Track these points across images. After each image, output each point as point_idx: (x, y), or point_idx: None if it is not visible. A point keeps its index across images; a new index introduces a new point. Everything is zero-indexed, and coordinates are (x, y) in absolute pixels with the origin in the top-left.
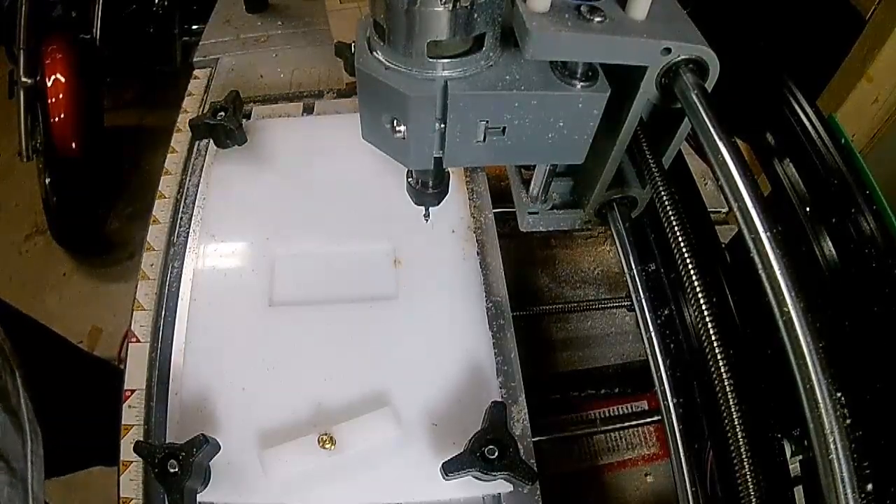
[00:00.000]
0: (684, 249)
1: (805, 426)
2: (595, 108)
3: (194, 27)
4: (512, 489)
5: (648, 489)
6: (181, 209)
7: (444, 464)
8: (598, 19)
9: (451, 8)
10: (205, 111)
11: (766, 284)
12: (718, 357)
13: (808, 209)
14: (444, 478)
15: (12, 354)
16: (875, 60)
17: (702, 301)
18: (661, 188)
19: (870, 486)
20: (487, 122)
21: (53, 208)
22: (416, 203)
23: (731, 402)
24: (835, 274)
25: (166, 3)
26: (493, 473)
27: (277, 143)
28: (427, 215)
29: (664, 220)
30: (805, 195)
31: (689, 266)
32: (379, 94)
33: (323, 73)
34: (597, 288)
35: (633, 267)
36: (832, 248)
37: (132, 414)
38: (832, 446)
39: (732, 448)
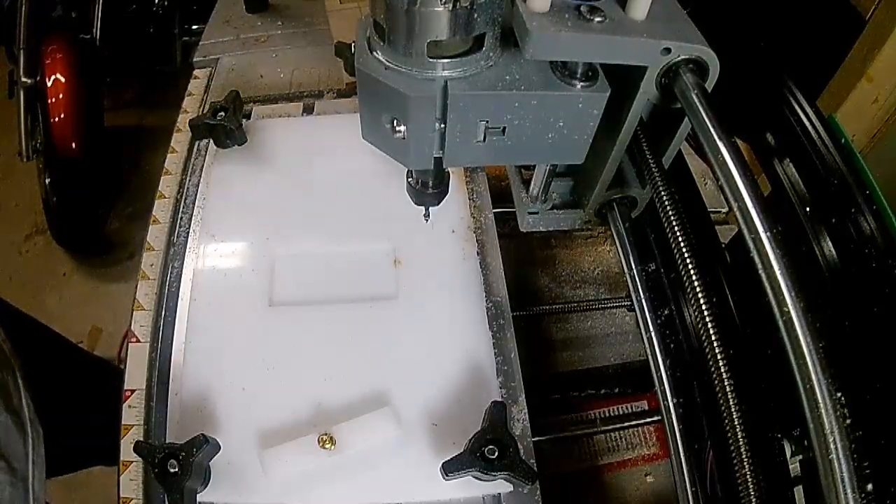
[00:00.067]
0: (684, 249)
1: (805, 426)
2: (595, 108)
3: (194, 27)
4: (512, 489)
5: (648, 489)
6: (181, 209)
7: (444, 464)
8: (598, 19)
9: (451, 8)
10: (205, 111)
11: (766, 284)
12: (718, 357)
13: (808, 209)
14: (444, 478)
15: (13, 355)
16: (875, 60)
17: (702, 301)
18: (661, 188)
19: (870, 486)
20: (487, 122)
21: (53, 208)
22: (416, 203)
23: (731, 402)
24: (835, 274)
25: (166, 3)
26: (493, 473)
27: (277, 143)
28: (427, 215)
29: (664, 220)
30: (805, 195)
31: (689, 266)
32: (379, 94)
33: (323, 73)
34: (597, 288)
35: (633, 267)
36: (832, 248)
37: (132, 414)
38: (832, 446)
39: (732, 448)
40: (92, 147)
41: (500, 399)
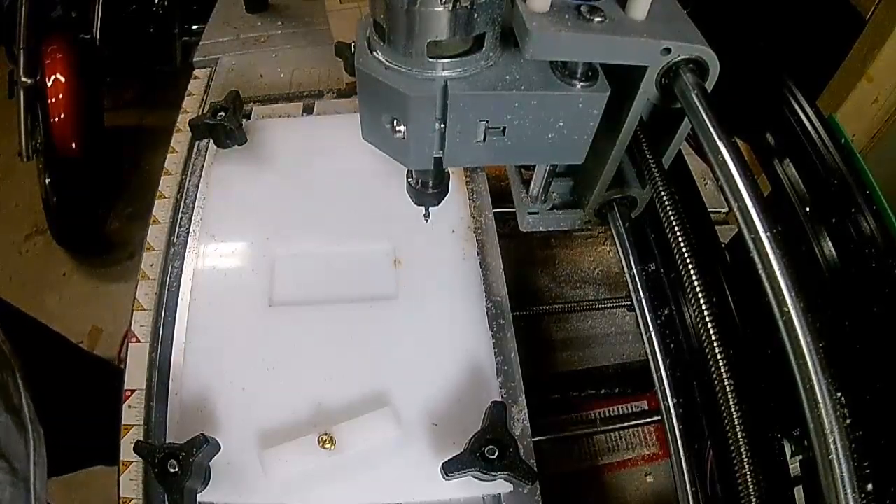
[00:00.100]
0: (684, 249)
1: (805, 426)
2: (595, 108)
3: (194, 27)
4: (512, 489)
5: (648, 489)
6: (181, 209)
7: (444, 464)
8: (598, 19)
9: (451, 8)
10: (205, 111)
11: (766, 284)
12: (718, 357)
13: (808, 209)
14: (444, 478)
15: (13, 355)
16: (875, 60)
17: (702, 301)
18: (661, 188)
19: (870, 486)
20: (487, 122)
21: (53, 208)
22: (416, 203)
23: (731, 402)
24: (835, 274)
25: (166, 3)
26: (493, 473)
27: (277, 143)
28: (427, 215)
29: (664, 220)
30: (805, 195)
31: (689, 266)
32: (379, 94)
33: (323, 73)
34: (597, 288)
35: (633, 267)
36: (832, 248)
37: (132, 414)
38: (832, 446)
39: (732, 448)
40: (92, 147)
41: (500, 399)
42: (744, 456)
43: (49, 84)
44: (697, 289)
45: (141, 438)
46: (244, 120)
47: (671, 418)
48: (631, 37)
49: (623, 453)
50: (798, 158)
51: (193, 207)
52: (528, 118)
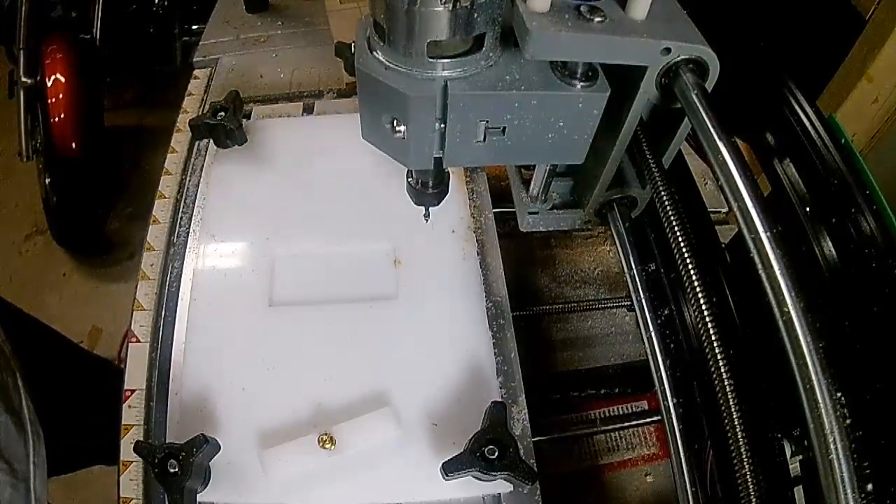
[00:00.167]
0: (684, 249)
1: (805, 426)
2: (595, 108)
3: (194, 27)
4: (512, 489)
5: (648, 489)
6: (181, 209)
7: (444, 464)
8: (598, 19)
9: (451, 8)
10: (205, 111)
11: (766, 284)
12: (718, 357)
13: (808, 209)
14: (444, 478)
15: (13, 356)
16: (875, 60)
17: (702, 301)
18: (661, 188)
19: (870, 486)
20: (487, 122)
21: (53, 208)
22: (416, 203)
23: (731, 402)
24: (835, 274)
25: (166, 3)
26: (493, 473)
27: (277, 143)
28: (427, 215)
29: (664, 220)
30: (805, 195)
31: (689, 266)
32: (379, 94)
33: (323, 73)
34: (597, 288)
35: (633, 267)
36: (832, 248)
37: (132, 414)
38: (832, 446)
39: (732, 448)
40: (92, 147)
41: (500, 399)
42: (744, 456)
43: (49, 84)
44: (697, 289)
45: (141, 438)
46: (244, 120)
47: (671, 418)
48: (631, 37)
49: (623, 453)
50: (798, 158)
51: (193, 207)
52: (528, 118)
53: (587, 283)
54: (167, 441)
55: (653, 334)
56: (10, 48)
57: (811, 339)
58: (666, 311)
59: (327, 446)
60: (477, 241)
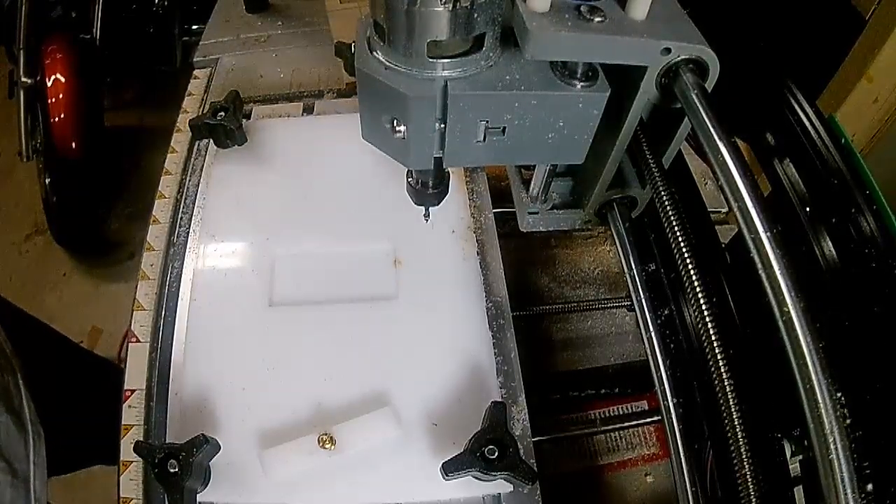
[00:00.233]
0: (684, 249)
1: (805, 426)
2: (595, 108)
3: (194, 27)
4: (512, 489)
5: (648, 489)
6: (181, 209)
7: (444, 464)
8: (598, 19)
9: (451, 8)
10: (205, 111)
11: (766, 284)
12: (718, 357)
13: (808, 209)
14: (444, 478)
15: (13, 356)
16: (875, 60)
17: (702, 301)
18: (661, 188)
19: (870, 486)
20: (487, 122)
21: (53, 208)
22: (416, 203)
23: (731, 402)
24: (835, 274)
25: (166, 3)
26: (493, 473)
27: (277, 143)
28: (427, 215)
29: (664, 220)
30: (805, 195)
31: (689, 266)
32: (379, 94)
33: (323, 73)
34: (597, 288)
35: (633, 267)
36: (832, 248)
37: (132, 414)
38: (832, 446)
39: (732, 448)
40: (92, 147)
41: (500, 399)
42: (744, 456)
43: (49, 84)
44: (697, 289)
45: (141, 438)
46: (244, 120)
47: (671, 418)
48: (631, 37)
49: (623, 453)
50: (798, 158)
51: (193, 207)
52: (528, 118)
53: (587, 283)
54: (167, 441)
55: (653, 334)
56: (10, 48)
57: (811, 339)
58: (666, 311)
59: (327, 446)
60: (477, 241)
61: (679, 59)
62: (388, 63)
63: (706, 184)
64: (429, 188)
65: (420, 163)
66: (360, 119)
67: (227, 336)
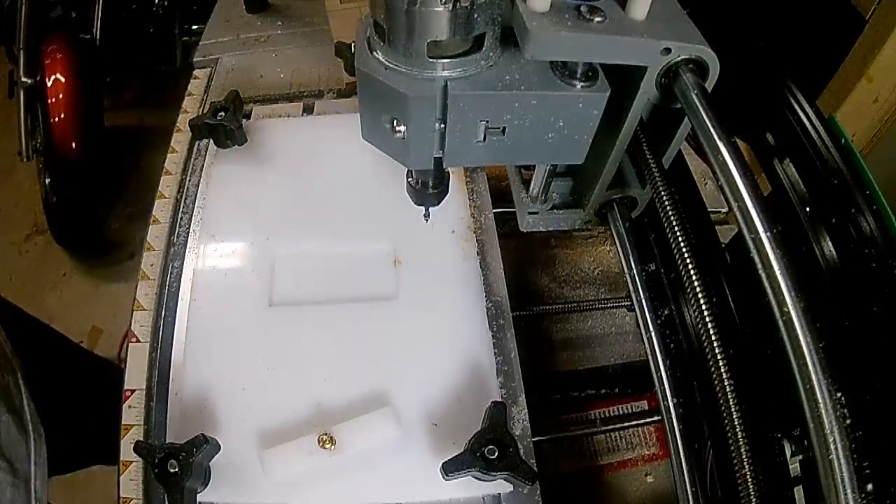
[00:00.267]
0: (684, 249)
1: (805, 426)
2: (595, 108)
3: (194, 27)
4: (512, 489)
5: (648, 489)
6: (181, 209)
7: (444, 464)
8: (598, 19)
9: (451, 8)
10: (205, 111)
11: (766, 284)
12: (718, 357)
13: (808, 209)
14: (444, 478)
15: (13, 356)
16: (875, 60)
17: (702, 301)
18: (661, 188)
19: (870, 486)
20: (487, 122)
21: (53, 208)
22: (416, 203)
23: (731, 402)
24: (835, 274)
25: (166, 3)
26: (493, 473)
27: (277, 143)
28: (427, 215)
29: (664, 220)
30: (805, 195)
31: (689, 266)
32: (379, 94)
33: (323, 73)
34: (597, 288)
35: (633, 267)
36: (832, 248)
37: (132, 414)
38: (832, 446)
39: (732, 448)
40: (92, 147)
41: (500, 399)
42: (744, 456)
43: (49, 84)
44: (697, 289)
45: (141, 438)
46: (244, 120)
47: (671, 418)
48: (631, 37)
49: (623, 453)
50: (798, 158)
51: (193, 207)
52: (528, 118)
53: (587, 283)
54: (167, 441)
55: (653, 334)
56: (10, 48)
57: (811, 339)
58: (666, 311)
59: (327, 446)
60: (477, 241)
61: (679, 59)
62: (388, 63)
63: (706, 184)
64: (429, 188)
65: (420, 163)
66: (360, 119)
67: (227, 336)
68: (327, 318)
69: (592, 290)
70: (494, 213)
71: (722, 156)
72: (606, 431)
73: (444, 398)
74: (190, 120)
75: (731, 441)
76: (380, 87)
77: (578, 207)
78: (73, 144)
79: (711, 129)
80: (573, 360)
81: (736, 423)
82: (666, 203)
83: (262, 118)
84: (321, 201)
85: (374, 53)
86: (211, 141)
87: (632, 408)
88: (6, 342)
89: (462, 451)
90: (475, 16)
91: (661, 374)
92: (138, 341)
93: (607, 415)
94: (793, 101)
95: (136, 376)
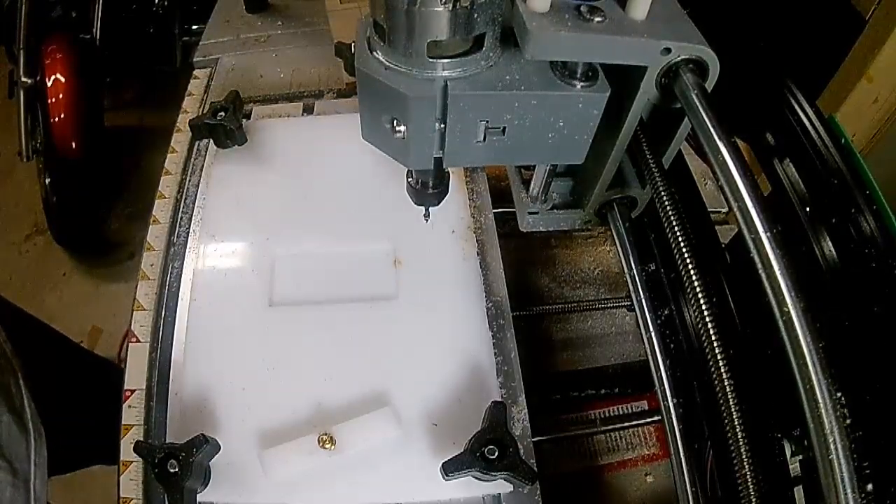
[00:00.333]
0: (684, 249)
1: (805, 426)
2: (595, 108)
3: (194, 27)
4: (512, 489)
5: (648, 489)
6: (181, 209)
7: (444, 464)
8: (598, 19)
9: (451, 8)
10: (205, 111)
11: (766, 284)
12: (718, 357)
13: (808, 209)
14: (444, 478)
15: (13, 356)
16: (875, 60)
17: (702, 301)
18: (661, 188)
19: (870, 486)
20: (487, 122)
21: (53, 208)
22: (416, 203)
23: (731, 402)
24: (835, 274)
25: (166, 3)
26: (493, 473)
27: (277, 143)
28: (427, 215)
29: (664, 220)
30: (805, 195)
31: (689, 266)
32: (379, 94)
33: (323, 73)
34: (597, 288)
35: (633, 267)
36: (832, 248)
37: (132, 414)
38: (832, 446)
39: (732, 448)
40: (92, 147)
41: (500, 399)
42: (744, 456)
43: (49, 84)
44: (697, 289)
45: (141, 438)
46: (244, 120)
47: (671, 418)
48: (631, 37)
49: (623, 453)
50: (798, 158)
51: (193, 207)
52: (528, 118)
53: (587, 283)
54: (167, 441)
55: (653, 334)
56: (10, 48)
57: (811, 339)
58: (666, 311)
59: (327, 446)
60: (477, 241)
61: (679, 59)
62: (388, 63)
63: (706, 184)
64: (429, 188)
65: (420, 163)
66: (360, 119)
67: (227, 336)
68: (327, 318)
69: (592, 290)
70: (494, 213)
71: (722, 156)
72: (606, 431)
73: (444, 398)
74: (190, 120)
75: (731, 441)
76: (380, 87)
77: (578, 207)
78: (73, 144)
79: (711, 129)
80: (573, 360)
81: (736, 423)
82: (666, 203)
83: (262, 118)
84: (321, 201)
85: (374, 53)
86: (211, 141)
87: (632, 408)
88: (6, 342)
89: (462, 451)
90: (475, 16)
91: (661, 374)
92: (138, 341)
93: (607, 415)
94: (793, 101)
95: (136, 376)
